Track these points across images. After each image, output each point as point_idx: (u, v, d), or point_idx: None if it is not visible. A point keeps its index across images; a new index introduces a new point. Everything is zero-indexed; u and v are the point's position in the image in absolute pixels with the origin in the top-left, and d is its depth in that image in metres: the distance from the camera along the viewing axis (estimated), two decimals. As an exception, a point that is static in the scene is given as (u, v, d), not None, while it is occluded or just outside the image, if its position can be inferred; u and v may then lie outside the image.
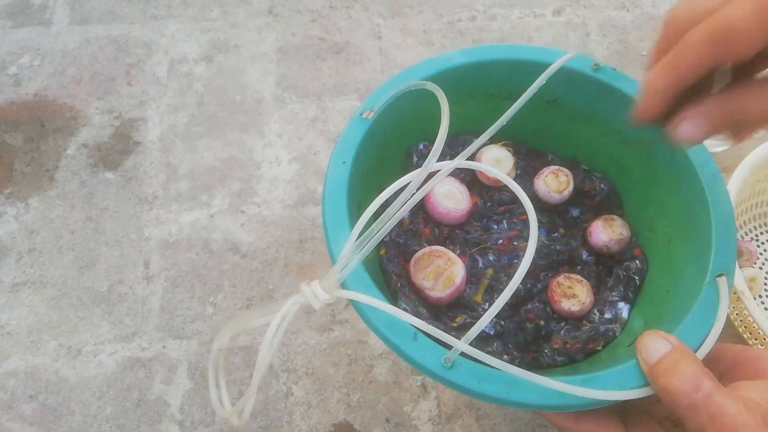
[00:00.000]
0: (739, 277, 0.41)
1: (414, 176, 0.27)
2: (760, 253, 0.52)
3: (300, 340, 0.48)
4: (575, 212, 0.42)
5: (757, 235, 0.53)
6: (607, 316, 0.37)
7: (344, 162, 0.33)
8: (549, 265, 0.40)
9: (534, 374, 0.25)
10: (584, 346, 0.36)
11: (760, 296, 0.49)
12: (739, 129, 0.29)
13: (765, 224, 0.53)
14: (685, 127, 0.29)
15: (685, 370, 0.25)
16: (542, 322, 0.37)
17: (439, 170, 0.29)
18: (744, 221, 0.52)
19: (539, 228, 0.40)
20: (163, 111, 0.59)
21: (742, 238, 0.52)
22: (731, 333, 0.46)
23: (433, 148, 0.27)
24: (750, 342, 0.44)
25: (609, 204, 0.42)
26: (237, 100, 0.60)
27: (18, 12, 0.65)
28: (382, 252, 0.37)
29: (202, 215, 0.53)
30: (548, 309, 0.38)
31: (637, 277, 0.38)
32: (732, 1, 0.25)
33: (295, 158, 0.57)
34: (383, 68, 0.62)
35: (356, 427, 0.45)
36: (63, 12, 0.66)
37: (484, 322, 0.25)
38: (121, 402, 0.45)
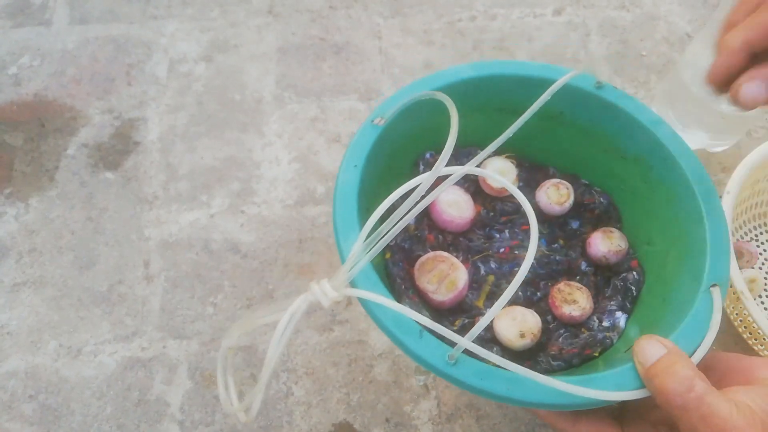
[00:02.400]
0: (739, 278, 0.41)
1: (424, 178, 0.28)
2: (760, 254, 0.52)
3: (300, 340, 0.48)
4: (575, 224, 0.43)
5: (756, 235, 0.53)
6: (606, 324, 0.38)
7: (355, 166, 0.34)
8: (548, 274, 0.41)
9: (535, 372, 0.26)
10: (581, 351, 0.36)
11: (760, 296, 0.49)
12: None
13: (765, 224, 0.53)
14: (751, 88, 0.30)
15: (680, 372, 0.26)
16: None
17: (447, 175, 0.29)
18: (744, 221, 0.52)
19: (540, 239, 0.41)
20: (163, 111, 0.59)
21: (742, 238, 0.52)
22: (732, 333, 0.46)
23: (443, 151, 0.27)
24: (750, 342, 0.44)
25: (608, 217, 0.42)
26: (237, 100, 0.60)
27: (18, 12, 0.65)
28: (388, 256, 0.38)
29: (202, 215, 0.53)
30: (548, 317, 0.39)
31: (634, 288, 0.39)
32: None
33: (295, 158, 0.57)
34: (383, 68, 0.62)
35: (356, 427, 0.45)
36: (63, 12, 0.66)
37: (486, 319, 0.26)
38: (122, 402, 0.45)
